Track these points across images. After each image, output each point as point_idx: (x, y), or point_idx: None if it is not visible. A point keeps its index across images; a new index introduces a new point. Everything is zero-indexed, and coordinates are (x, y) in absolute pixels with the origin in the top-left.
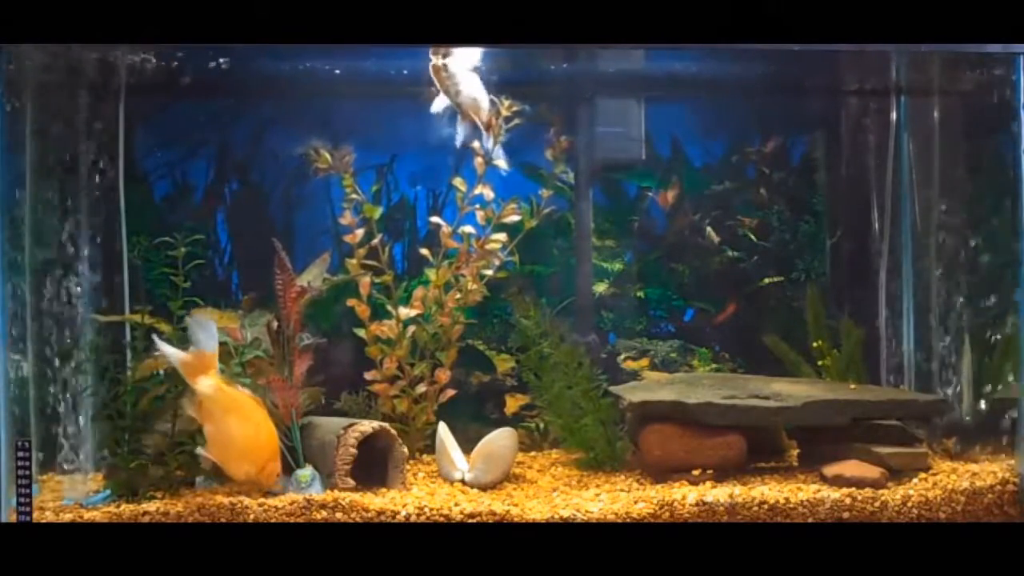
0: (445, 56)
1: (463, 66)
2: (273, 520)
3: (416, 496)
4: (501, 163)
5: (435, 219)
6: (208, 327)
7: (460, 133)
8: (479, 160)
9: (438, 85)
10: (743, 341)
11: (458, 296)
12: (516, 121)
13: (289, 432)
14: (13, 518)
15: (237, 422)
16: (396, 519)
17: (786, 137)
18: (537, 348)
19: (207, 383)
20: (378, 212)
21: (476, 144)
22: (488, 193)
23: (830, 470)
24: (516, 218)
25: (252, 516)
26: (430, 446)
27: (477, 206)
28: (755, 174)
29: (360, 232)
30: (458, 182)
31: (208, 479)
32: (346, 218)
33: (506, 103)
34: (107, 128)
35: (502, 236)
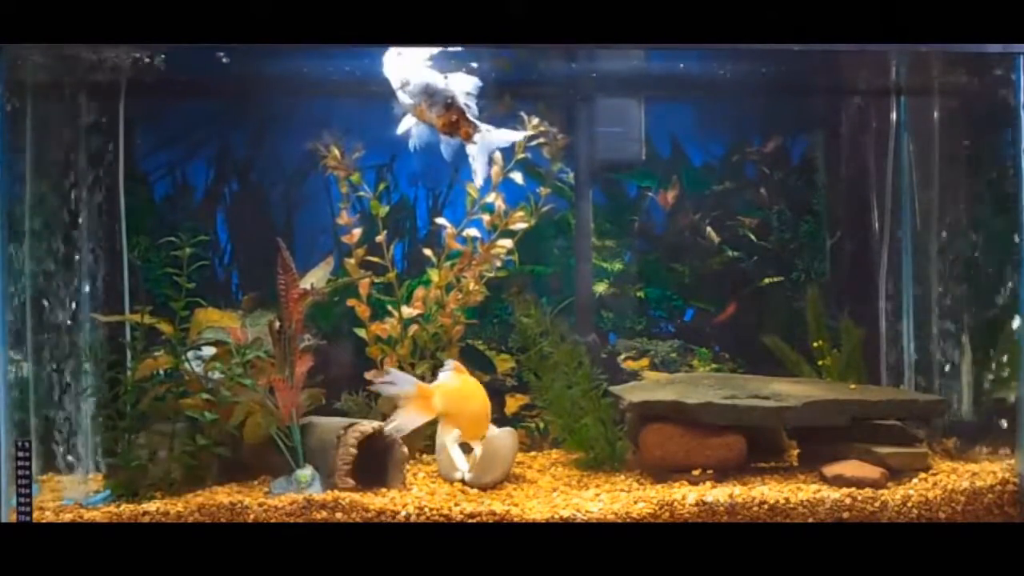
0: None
1: (414, 61)
2: (273, 520)
3: (416, 496)
4: (517, 176)
5: (440, 220)
6: (396, 378)
7: (411, 132)
8: (496, 169)
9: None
10: (743, 341)
11: (459, 296)
12: (540, 140)
13: (289, 432)
14: (13, 518)
15: (466, 411)
16: (396, 519)
17: (786, 137)
18: (537, 348)
19: (434, 407)
20: (384, 210)
21: (497, 154)
22: (500, 204)
23: (830, 470)
24: (523, 225)
25: (252, 516)
26: (430, 446)
27: (485, 213)
28: (755, 174)
29: (358, 232)
30: (471, 188)
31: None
32: (343, 218)
33: (533, 121)
34: (106, 127)
35: (508, 242)
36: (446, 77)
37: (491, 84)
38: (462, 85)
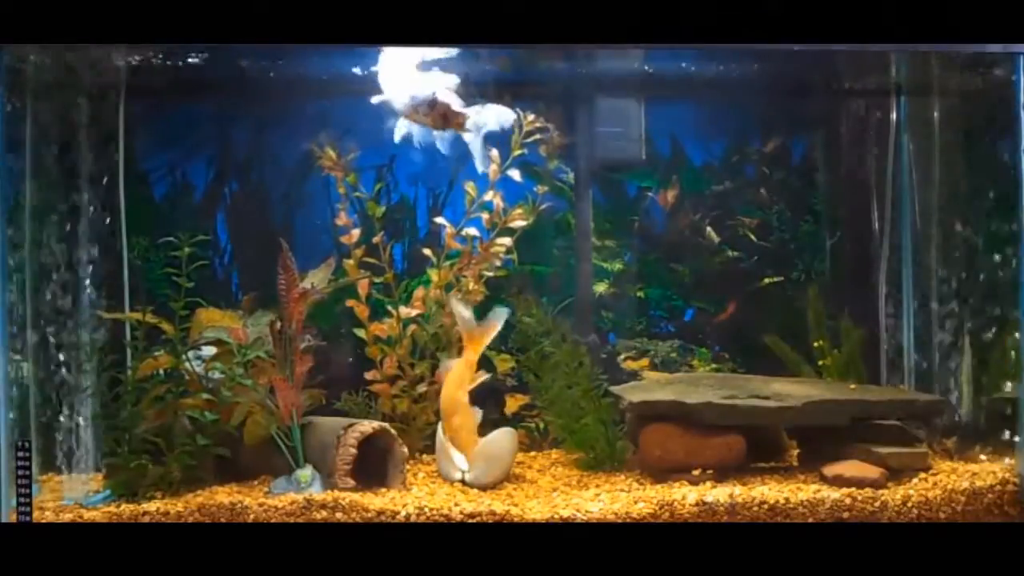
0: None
1: (394, 69)
2: (273, 520)
3: (416, 496)
4: (514, 173)
5: (440, 220)
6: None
7: (409, 136)
8: (494, 167)
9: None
10: (743, 341)
11: (459, 296)
12: (537, 136)
13: (289, 432)
14: (13, 518)
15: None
16: (396, 519)
17: (786, 137)
18: (538, 348)
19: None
20: (381, 211)
21: (495, 152)
22: (499, 202)
23: (830, 470)
24: (522, 223)
25: (252, 516)
26: (430, 446)
27: (484, 211)
28: (755, 174)
29: (356, 232)
30: (469, 187)
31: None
32: (341, 218)
33: (529, 117)
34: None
35: (507, 240)
36: (423, 73)
37: (490, 83)
38: (441, 80)
